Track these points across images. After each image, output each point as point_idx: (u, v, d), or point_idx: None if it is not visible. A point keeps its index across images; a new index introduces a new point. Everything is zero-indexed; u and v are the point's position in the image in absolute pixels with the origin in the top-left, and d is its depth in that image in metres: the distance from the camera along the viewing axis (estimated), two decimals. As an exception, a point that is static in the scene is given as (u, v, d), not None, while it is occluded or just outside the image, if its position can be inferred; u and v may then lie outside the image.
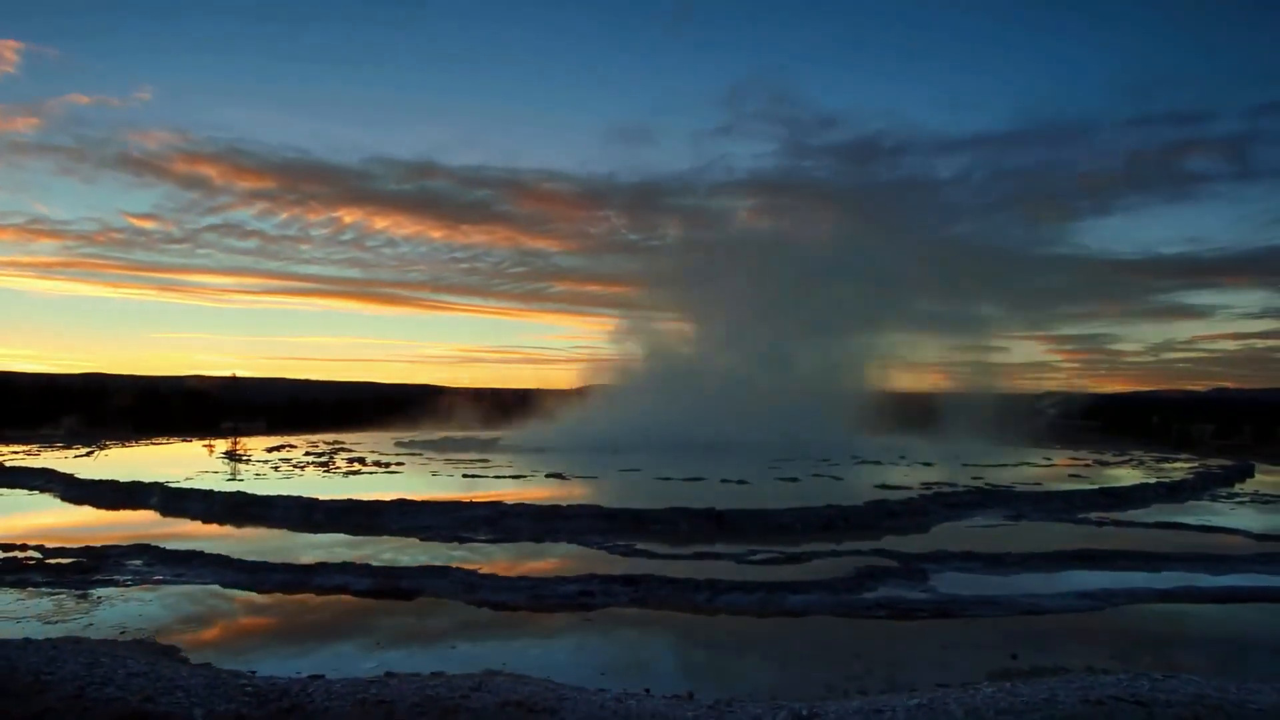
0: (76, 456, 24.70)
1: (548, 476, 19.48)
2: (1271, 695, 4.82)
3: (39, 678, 5.04)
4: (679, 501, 13.66)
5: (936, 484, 18.02)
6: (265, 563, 9.73)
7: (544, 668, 6.00)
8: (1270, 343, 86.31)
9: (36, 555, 10.28)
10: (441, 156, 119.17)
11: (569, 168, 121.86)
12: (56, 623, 7.47)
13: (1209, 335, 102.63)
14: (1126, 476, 21.29)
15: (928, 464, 23.86)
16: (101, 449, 28.21)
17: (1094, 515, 14.53)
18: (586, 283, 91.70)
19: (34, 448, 28.98)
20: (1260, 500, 17.70)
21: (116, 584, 8.99)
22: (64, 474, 18.22)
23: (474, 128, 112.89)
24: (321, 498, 13.94)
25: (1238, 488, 20.26)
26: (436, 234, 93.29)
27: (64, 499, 16.15)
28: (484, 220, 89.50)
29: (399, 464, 22.80)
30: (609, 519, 12.65)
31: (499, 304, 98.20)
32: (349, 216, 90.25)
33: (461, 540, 11.66)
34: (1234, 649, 7.10)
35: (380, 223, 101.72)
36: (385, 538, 11.87)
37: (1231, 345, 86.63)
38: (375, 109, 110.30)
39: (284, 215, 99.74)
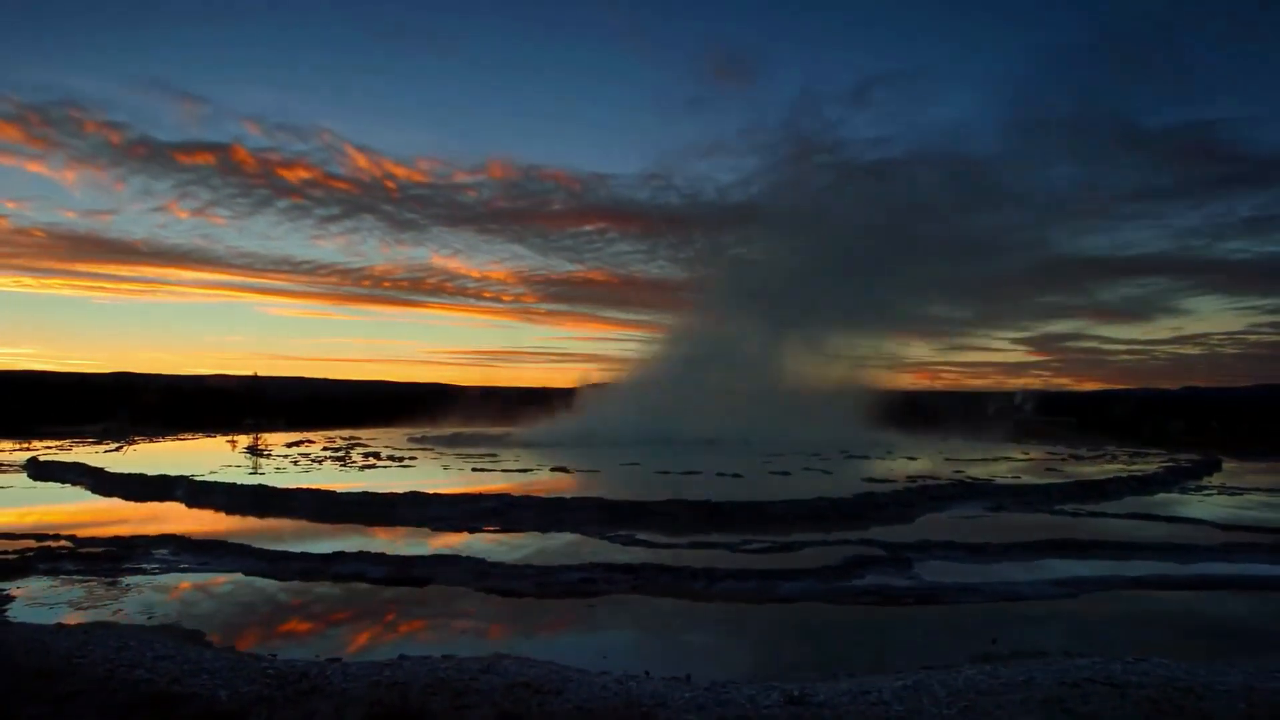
0: (107, 451, 24.69)
1: (553, 470, 19.47)
2: (1237, 677, 4.82)
3: (71, 660, 5.05)
4: (677, 494, 13.66)
5: (921, 477, 18.02)
6: (285, 552, 9.73)
7: (549, 651, 6.00)
8: (1252, 337, 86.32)
9: (68, 545, 10.26)
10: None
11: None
12: (87, 608, 7.47)
13: (1182, 336, 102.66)
14: (1101, 470, 21.28)
15: (912, 458, 23.85)
16: (131, 444, 28.22)
17: (1070, 507, 14.52)
18: (582, 283, 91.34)
19: (66, 443, 29.00)
20: (1227, 493, 17.67)
21: (144, 572, 8.99)
22: (94, 468, 18.21)
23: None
24: (338, 490, 13.94)
25: (1206, 481, 20.23)
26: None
27: (94, 491, 16.14)
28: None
29: (412, 458, 22.80)
30: (611, 510, 12.63)
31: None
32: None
33: (471, 530, 11.66)
34: (1202, 634, 7.10)
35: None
36: (399, 528, 11.86)
37: (1203, 345, 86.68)
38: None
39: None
